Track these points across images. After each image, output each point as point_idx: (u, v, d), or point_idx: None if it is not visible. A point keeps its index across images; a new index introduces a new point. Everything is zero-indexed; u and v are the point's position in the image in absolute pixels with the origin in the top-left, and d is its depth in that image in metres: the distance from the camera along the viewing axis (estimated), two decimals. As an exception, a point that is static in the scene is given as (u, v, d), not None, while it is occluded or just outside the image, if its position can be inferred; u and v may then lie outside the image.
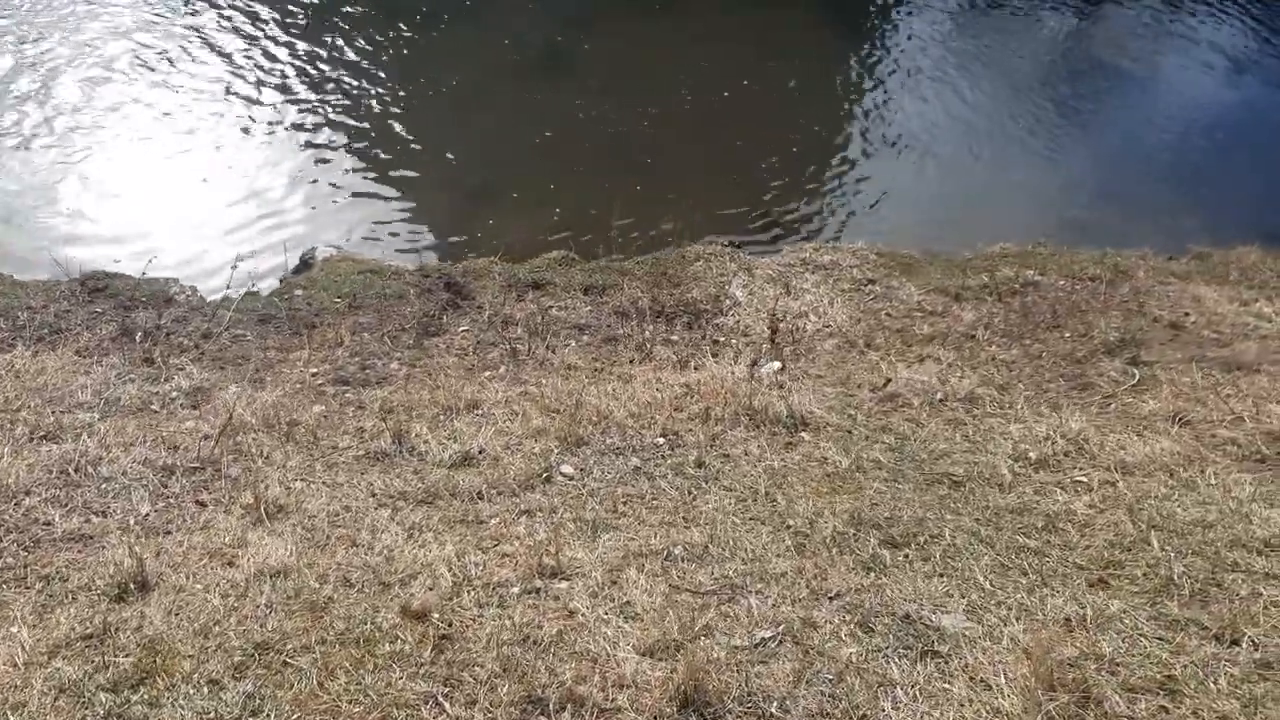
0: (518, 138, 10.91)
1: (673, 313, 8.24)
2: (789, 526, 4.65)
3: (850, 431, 5.81)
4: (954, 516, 4.71)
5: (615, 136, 11.04)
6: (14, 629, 3.70)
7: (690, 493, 5.02)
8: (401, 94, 11.49)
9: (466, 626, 3.82)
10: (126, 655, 3.58)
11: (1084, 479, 5.03)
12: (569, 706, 3.43)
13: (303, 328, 7.64)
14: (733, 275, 8.77)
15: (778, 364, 6.96)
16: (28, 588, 4.07)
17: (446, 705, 3.40)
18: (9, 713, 3.31)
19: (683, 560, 4.37)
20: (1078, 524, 4.59)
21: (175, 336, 7.39)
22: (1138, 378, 6.35)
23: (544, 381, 6.57)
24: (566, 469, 5.24)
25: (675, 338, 7.85)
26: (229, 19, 12.51)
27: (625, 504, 4.92)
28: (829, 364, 7.13)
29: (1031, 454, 5.33)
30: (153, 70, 11.34)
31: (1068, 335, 7.33)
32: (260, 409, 5.85)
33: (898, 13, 14.64)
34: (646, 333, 7.74)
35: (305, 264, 8.81)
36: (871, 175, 10.83)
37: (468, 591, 4.06)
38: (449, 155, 10.75)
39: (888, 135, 11.61)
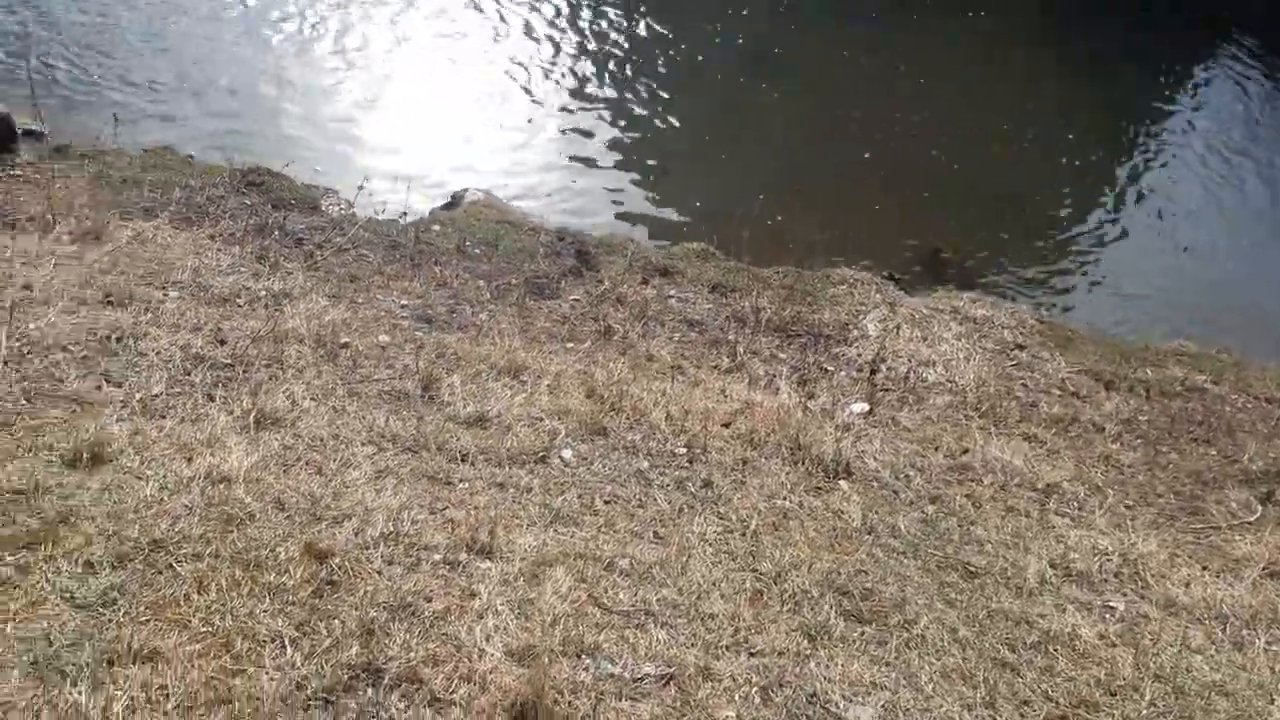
0: (706, 126, 10.68)
1: (794, 330, 7.82)
2: (755, 570, 4.24)
3: (896, 493, 5.29)
4: (944, 607, 4.17)
5: (807, 141, 10.62)
6: (-44, 463, 3.87)
7: (680, 510, 4.68)
8: (622, 72, 11.51)
9: (358, 579, 3.68)
10: (36, 516, 3.67)
11: (1116, 605, 4.33)
12: (402, 685, 3.23)
13: (423, 261, 7.75)
14: (872, 307, 8.23)
15: (865, 406, 6.44)
16: (4, 429, 4.25)
17: (287, 648, 3.28)
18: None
19: (621, 574, 4.06)
20: (1074, 651, 3.95)
21: (305, 243, 7.64)
22: (1259, 514, 5.45)
23: (610, 365, 6.34)
24: (567, 454, 5.01)
25: (783, 356, 7.43)
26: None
27: (605, 503, 4.65)
28: (927, 420, 6.54)
29: (1077, 565, 4.65)
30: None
31: (1210, 453, 6.41)
32: (321, 326, 5.92)
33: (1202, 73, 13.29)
34: (753, 343, 7.37)
35: (453, 202, 8.95)
36: (1075, 234, 9.91)
37: (387, 545, 3.92)
38: (635, 133, 10.66)
39: (1104, 195, 10.58)
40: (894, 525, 4.82)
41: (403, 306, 6.85)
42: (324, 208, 8.40)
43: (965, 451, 5.74)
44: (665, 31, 12.33)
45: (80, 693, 2.85)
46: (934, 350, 7.68)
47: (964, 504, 5.21)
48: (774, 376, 6.71)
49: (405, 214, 8.39)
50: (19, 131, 8.35)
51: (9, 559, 3.41)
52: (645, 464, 5.06)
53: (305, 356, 5.55)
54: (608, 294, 7.76)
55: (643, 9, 12.61)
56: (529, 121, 10.44)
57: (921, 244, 9.34)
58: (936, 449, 5.90)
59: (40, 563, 3.42)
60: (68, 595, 3.30)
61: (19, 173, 7.68)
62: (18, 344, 4.88)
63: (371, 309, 6.69)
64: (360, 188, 8.01)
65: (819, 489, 5.13)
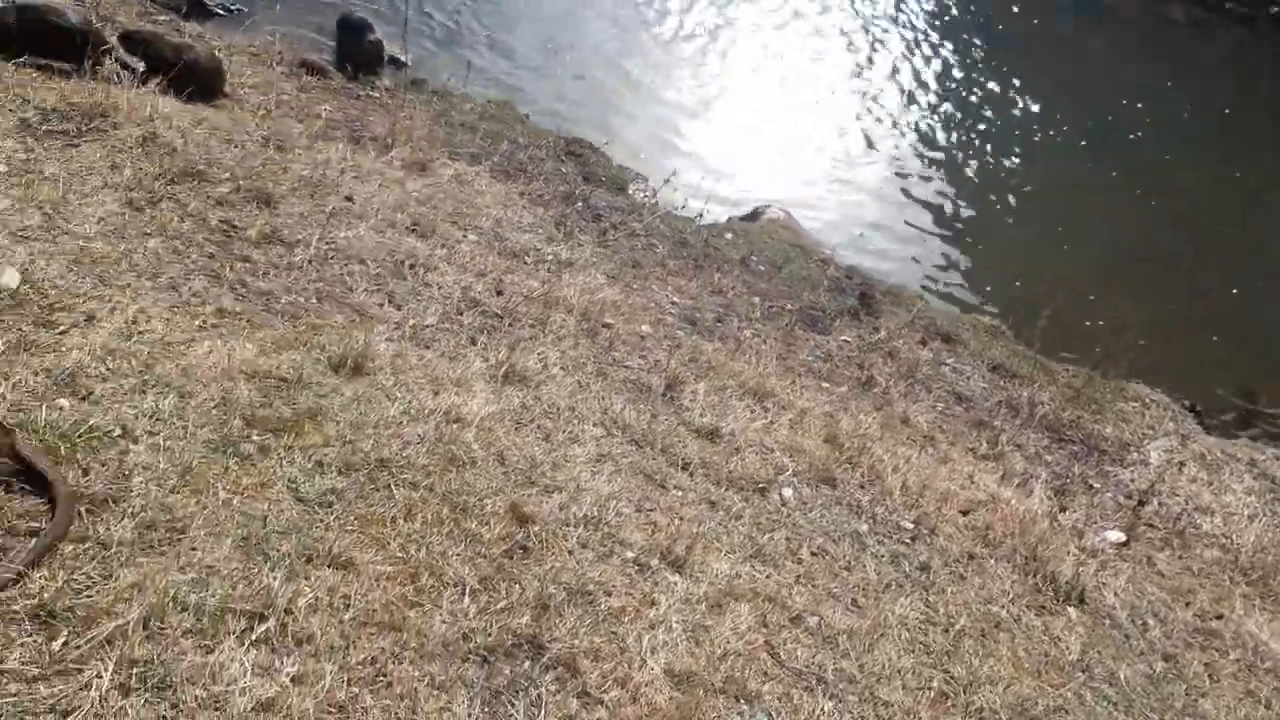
0: (1028, 199, 10.13)
1: (1067, 435, 7.29)
2: (947, 671, 3.96)
3: (1128, 638, 4.79)
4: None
5: (1137, 239, 9.84)
6: (240, 341, 4.23)
7: (887, 584, 4.44)
8: (959, 130, 11.14)
9: (549, 552, 3.72)
10: (290, 406, 3.94)
11: None
12: (559, 669, 3.23)
13: (706, 265, 7.81)
14: (1161, 434, 7.54)
15: (1121, 536, 5.90)
16: (291, 320, 4.61)
17: (466, 598, 3.35)
18: (171, 407, 3.78)
19: (806, 631, 3.90)
20: None
21: (602, 220, 7.89)
22: None
23: (861, 416, 6.13)
24: (788, 492, 4.87)
25: (1048, 458, 6.93)
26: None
27: (812, 554, 4.48)
28: (1186, 570, 5.91)
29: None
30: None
31: None
32: (591, 301, 6.06)
33: None
34: (1019, 436, 6.93)
35: (752, 215, 8.96)
36: None
37: (586, 529, 3.94)
38: (953, 190, 10.26)
39: None
40: (1113, 671, 4.36)
41: (673, 303, 6.91)
42: (630, 191, 8.62)
43: (1219, 616, 5.12)
44: (1015, 97, 11.80)
45: (275, 579, 3.03)
46: (1217, 499, 6.93)
47: (1199, 672, 4.65)
48: (1031, 477, 6.26)
49: (702, 215, 8.47)
50: (386, 58, 9.10)
51: (255, 438, 3.67)
52: (865, 527, 4.83)
53: (568, 326, 5.69)
54: (880, 344, 7.51)
55: (999, 68, 12.11)
56: (851, 156, 10.29)
57: (1237, 383, 8.44)
58: (1187, 604, 5.31)
59: (279, 449, 3.67)
60: (293, 486, 3.52)
61: (376, 94, 8.36)
62: (325, 248, 5.29)
63: (643, 297, 6.79)
64: (667, 180, 8.15)
65: (1043, 608, 4.72)
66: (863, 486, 5.23)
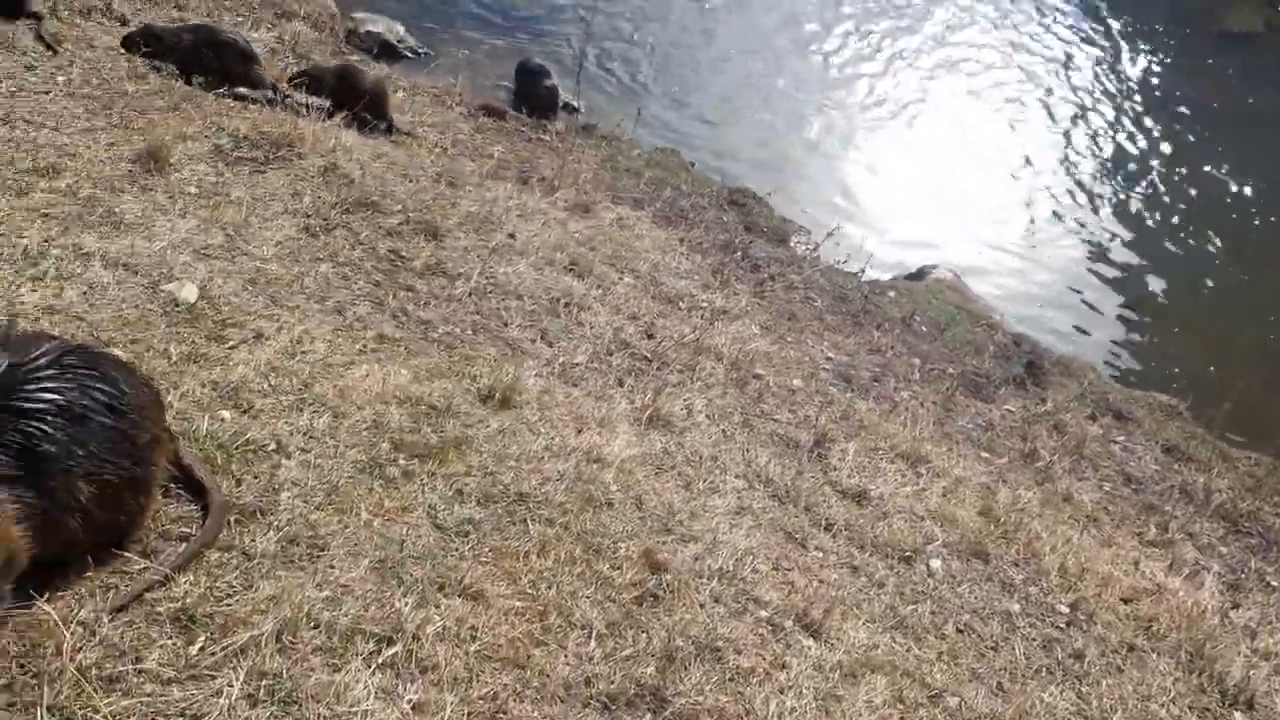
0: (1220, 272, 9.53)
1: (1245, 527, 6.77)
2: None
3: (1307, 758, 4.35)
4: None
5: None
6: (396, 367, 4.32)
7: (1036, 670, 4.16)
8: (1147, 196, 10.63)
9: (680, 603, 3.63)
10: (437, 434, 4.00)
11: None
12: (679, 728, 3.13)
13: (865, 322, 7.63)
14: (1357, 535, 6.90)
15: (1306, 645, 5.37)
16: (446, 350, 4.70)
17: (592, 641, 3.29)
18: (325, 426, 3.89)
19: (945, 713, 3.67)
20: None
21: (761, 270, 7.83)
22: None
23: (1020, 490, 5.82)
24: (936, 564, 4.64)
25: (1223, 550, 6.44)
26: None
27: (958, 631, 4.24)
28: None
29: None
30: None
31: None
32: (743, 351, 5.99)
33: None
34: (1192, 524, 6.46)
35: (917, 274, 8.72)
36: None
37: (720, 582, 3.84)
38: (1137, 261, 9.76)
39: None
40: (1289, 794, 3.94)
41: (828, 358, 6.76)
42: (791, 243, 8.54)
43: None
44: (1226, 178, 11.18)
45: (406, 604, 3.04)
46: None
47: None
48: (1202, 568, 5.81)
49: (864, 271, 8.29)
50: (560, 103, 9.32)
51: (401, 462, 3.73)
52: (1017, 607, 4.56)
53: (717, 374, 5.62)
54: (1046, 416, 7.16)
55: (1212, 148, 11.52)
56: (1035, 225, 9.94)
57: None
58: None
59: (423, 475, 3.71)
60: (432, 512, 3.54)
61: (547, 138, 8.55)
62: (485, 282, 5.39)
63: (797, 350, 6.67)
64: (830, 234, 8.03)
65: (1206, 710, 4.34)
66: (1017, 564, 4.94)
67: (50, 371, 2.51)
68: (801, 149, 10.11)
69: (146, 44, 6.25)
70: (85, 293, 3.83)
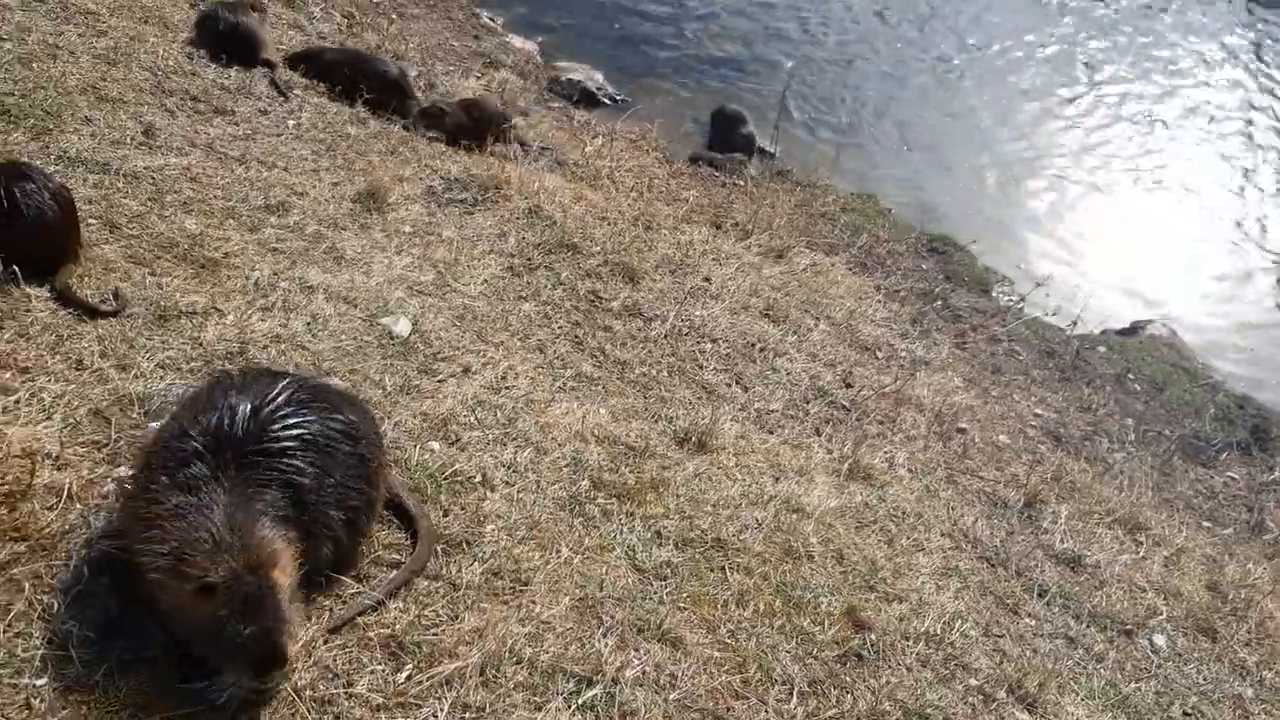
0: None
1: None
2: None
3: None
4: None
5: None
6: (595, 406, 4.32)
7: (1281, 770, 3.76)
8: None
9: (886, 665, 3.44)
10: (635, 474, 3.96)
11: None
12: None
13: (1074, 378, 7.24)
14: None
15: None
16: (642, 391, 4.68)
17: (794, 698, 3.15)
18: (528, 461, 3.91)
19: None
20: None
21: (962, 321, 7.55)
22: None
23: (1250, 565, 5.34)
24: (1159, 640, 4.28)
25: None
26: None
27: (1184, 714, 3.89)
28: None
29: None
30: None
31: None
32: (945, 404, 5.74)
33: None
34: None
35: (1130, 330, 8.22)
36: None
37: (927, 646, 3.63)
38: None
39: None
40: None
41: (1035, 415, 6.42)
42: (993, 293, 8.21)
43: None
44: None
45: (606, 645, 2.99)
46: None
47: None
48: None
49: (1074, 325, 7.87)
50: (755, 148, 9.30)
51: (601, 500, 3.71)
52: (1250, 692, 4.15)
53: (919, 427, 5.41)
54: (1275, 485, 6.57)
55: None
56: (1253, 279, 9.24)
57: None
58: None
59: (622, 515, 3.68)
60: (631, 553, 3.50)
61: (741, 183, 8.53)
62: (681, 324, 5.37)
63: (1002, 405, 6.36)
64: (1039, 284, 7.66)
65: None
66: (1249, 645, 4.50)
67: (290, 408, 2.58)
68: (1007, 197, 9.73)
69: (304, 63, 6.56)
70: (309, 324, 3.99)
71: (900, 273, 7.87)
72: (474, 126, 6.67)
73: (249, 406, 2.54)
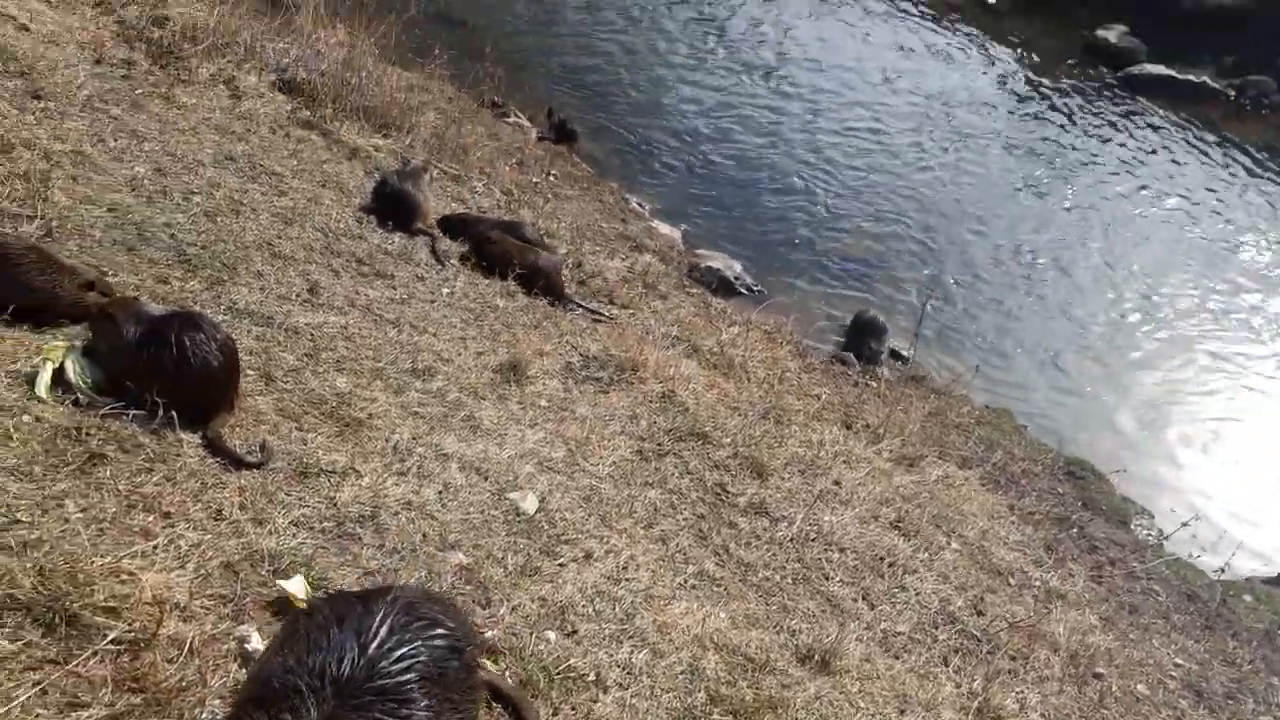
0: None
1: None
2: None
3: None
4: None
5: None
6: (715, 609, 4.16)
7: None
8: None
9: None
10: (754, 690, 3.77)
11: None
12: None
13: (1217, 626, 6.74)
14: None
15: None
16: (764, 597, 4.51)
17: None
18: (643, 663, 3.77)
19: None
20: None
21: (1099, 553, 7.18)
22: None
23: None
24: None
25: None
26: None
27: None
28: None
29: None
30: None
31: None
32: (1081, 644, 5.39)
33: None
34: None
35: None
36: None
37: None
38: None
39: None
40: None
41: (1176, 665, 5.96)
42: (1132, 526, 7.80)
43: None
44: None
45: None
46: None
47: None
48: None
49: (1222, 572, 7.38)
50: (889, 350, 9.24)
51: (716, 717, 3.52)
52: None
53: (1052, 668, 5.07)
54: None
55: None
56: None
57: None
58: None
59: (736, 736, 3.48)
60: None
61: (874, 384, 8.43)
62: (808, 529, 5.21)
63: (1140, 651, 5.94)
64: (1184, 524, 7.24)
65: None
66: None
67: (394, 638, 2.39)
68: (1152, 425, 9.37)
69: (460, 225, 6.83)
70: (440, 492, 4.00)
71: (1035, 494, 7.56)
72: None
73: (354, 644, 2.34)
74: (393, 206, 6.50)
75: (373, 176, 6.84)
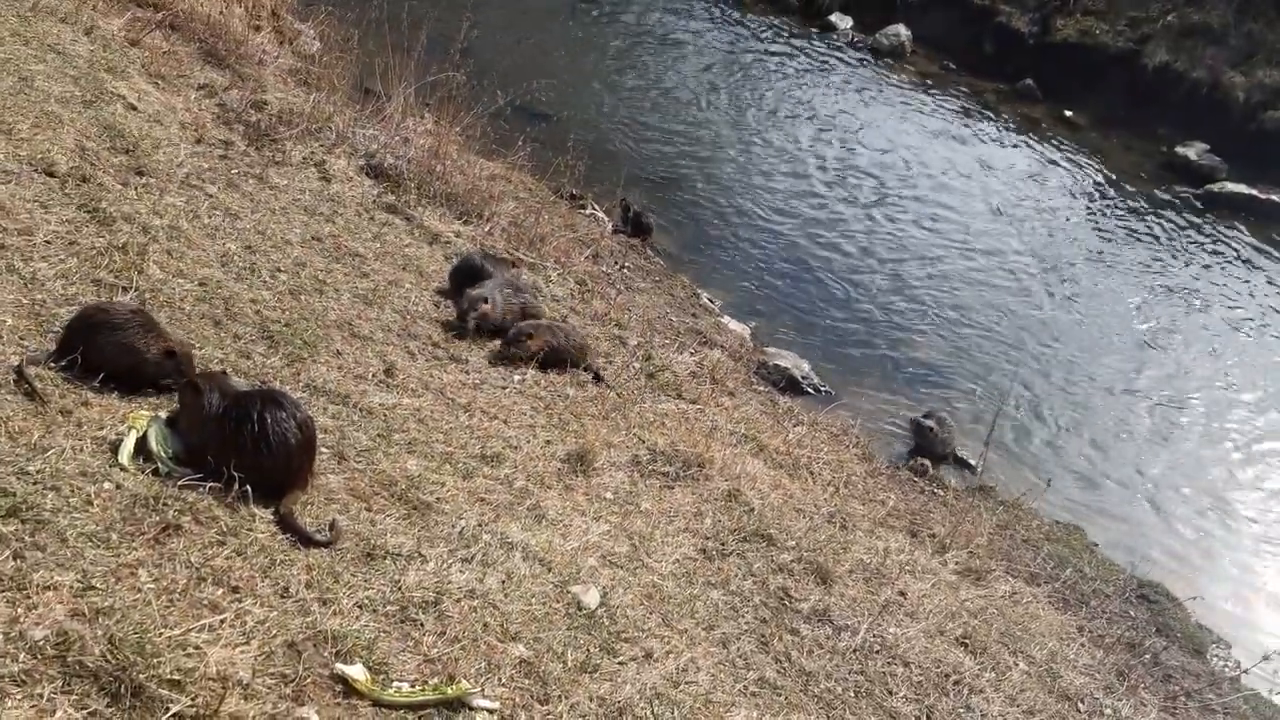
0: None
1: None
2: None
3: None
4: None
5: None
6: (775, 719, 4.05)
7: None
8: None
9: None
10: None
11: None
12: None
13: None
14: None
15: None
16: (825, 709, 4.38)
17: None
18: None
19: None
20: None
21: (1172, 682, 6.88)
22: None
23: None
24: None
25: None
26: None
27: None
28: None
29: None
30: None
31: None
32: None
33: None
34: None
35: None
36: None
37: None
38: None
39: None
40: None
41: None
42: (1208, 656, 7.47)
43: None
44: None
45: None
46: None
47: None
48: None
49: (1312, 707, 7.02)
50: (950, 453, 9.08)
51: None
52: None
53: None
54: None
55: None
56: None
57: None
58: None
59: None
60: None
61: (940, 493, 8.28)
62: (872, 640, 5.07)
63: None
64: (1266, 659, 6.93)
65: None
66: None
67: None
68: (1231, 551, 9.04)
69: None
70: (504, 581, 3.98)
71: (1106, 617, 7.29)
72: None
73: None
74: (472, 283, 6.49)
75: (452, 261, 6.97)
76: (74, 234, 4.82)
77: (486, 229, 8.22)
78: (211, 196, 6.00)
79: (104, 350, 3.92)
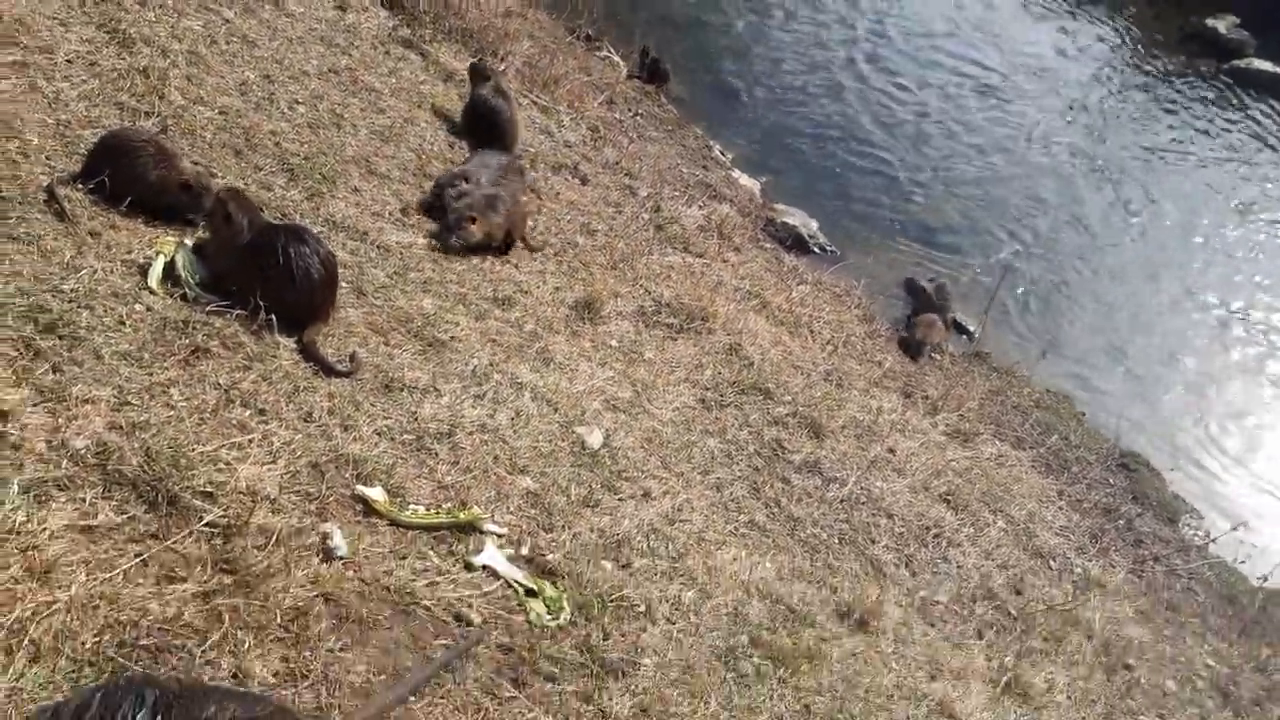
0: None
1: None
2: None
3: None
4: None
5: None
6: (762, 559, 4.32)
7: None
8: None
9: None
10: (793, 639, 3.93)
11: None
12: None
13: (1251, 632, 6.78)
14: None
15: None
16: (810, 553, 4.65)
17: None
18: (691, 602, 3.93)
19: None
20: None
21: (1143, 547, 7.22)
22: None
23: None
24: None
25: None
26: None
27: None
28: None
29: None
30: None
31: None
32: (1118, 635, 5.48)
33: None
34: None
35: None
36: None
37: None
38: None
39: None
40: None
41: (1207, 665, 6.07)
42: (1179, 525, 7.80)
43: None
44: None
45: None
46: None
47: None
48: None
49: (1265, 580, 7.38)
50: (954, 322, 9.23)
51: (755, 659, 3.69)
52: None
53: (1084, 653, 5.18)
54: None
55: None
56: None
57: None
58: None
59: (774, 679, 3.65)
60: (776, 721, 3.45)
61: (937, 357, 8.45)
62: (859, 491, 5.33)
63: (1173, 647, 6.08)
64: (1234, 529, 7.23)
65: None
66: None
67: None
68: (1213, 429, 9.28)
69: None
70: (513, 419, 4.17)
71: (1086, 483, 7.58)
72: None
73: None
74: (485, 124, 6.51)
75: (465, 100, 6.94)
76: (94, 54, 4.82)
77: (501, 68, 8.12)
78: (229, 22, 5.94)
79: (131, 177, 4.00)
